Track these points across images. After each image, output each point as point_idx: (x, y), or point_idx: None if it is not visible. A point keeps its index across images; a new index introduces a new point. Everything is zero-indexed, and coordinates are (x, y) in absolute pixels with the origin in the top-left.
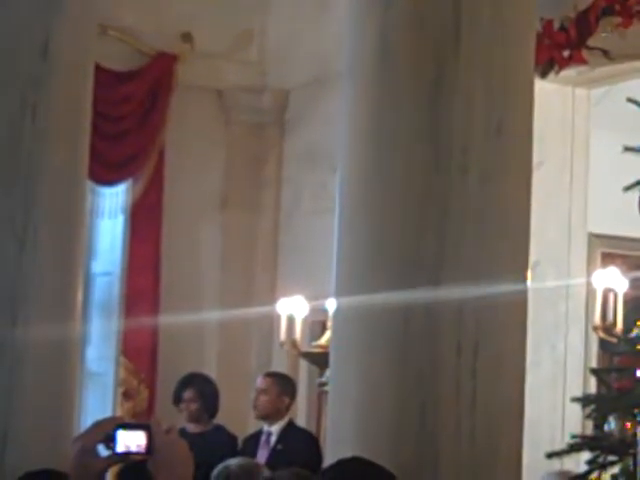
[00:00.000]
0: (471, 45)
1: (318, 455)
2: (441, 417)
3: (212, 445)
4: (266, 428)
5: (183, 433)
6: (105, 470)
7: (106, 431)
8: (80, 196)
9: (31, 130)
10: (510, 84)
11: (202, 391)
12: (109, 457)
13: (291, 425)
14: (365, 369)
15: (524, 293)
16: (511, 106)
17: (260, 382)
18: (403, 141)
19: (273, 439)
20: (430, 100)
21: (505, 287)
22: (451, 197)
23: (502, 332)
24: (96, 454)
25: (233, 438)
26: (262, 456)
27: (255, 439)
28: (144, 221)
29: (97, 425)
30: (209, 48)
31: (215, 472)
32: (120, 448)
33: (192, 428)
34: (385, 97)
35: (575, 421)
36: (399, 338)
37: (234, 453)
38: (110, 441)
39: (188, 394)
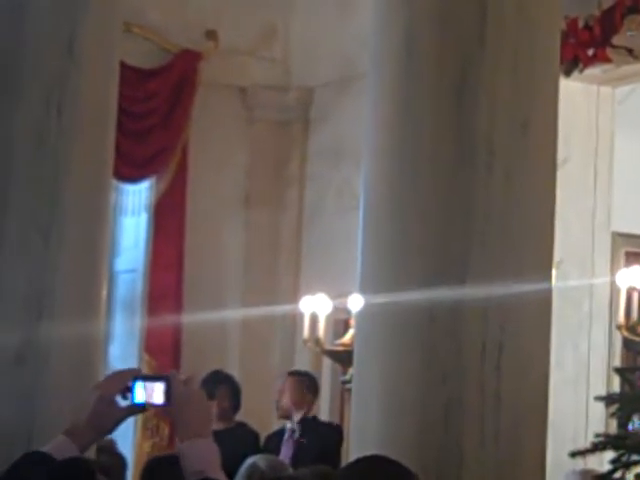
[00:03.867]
0: (496, 44)
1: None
2: (465, 417)
3: (236, 442)
4: (289, 425)
5: None
6: (122, 419)
7: (125, 382)
8: (105, 194)
9: (57, 128)
10: (535, 82)
11: (234, 388)
12: (127, 407)
13: (314, 419)
14: (389, 368)
15: (549, 292)
16: (536, 104)
17: (282, 382)
18: (428, 139)
19: (297, 434)
20: (455, 99)
21: (530, 286)
22: (476, 195)
23: (527, 331)
24: (114, 403)
25: (255, 435)
26: (287, 452)
27: (278, 437)
28: (167, 219)
29: (116, 375)
30: (233, 45)
31: (242, 470)
32: (138, 399)
33: (216, 425)
34: (410, 96)
35: (599, 420)
36: (424, 337)
37: (256, 450)
38: (128, 392)
39: (222, 391)
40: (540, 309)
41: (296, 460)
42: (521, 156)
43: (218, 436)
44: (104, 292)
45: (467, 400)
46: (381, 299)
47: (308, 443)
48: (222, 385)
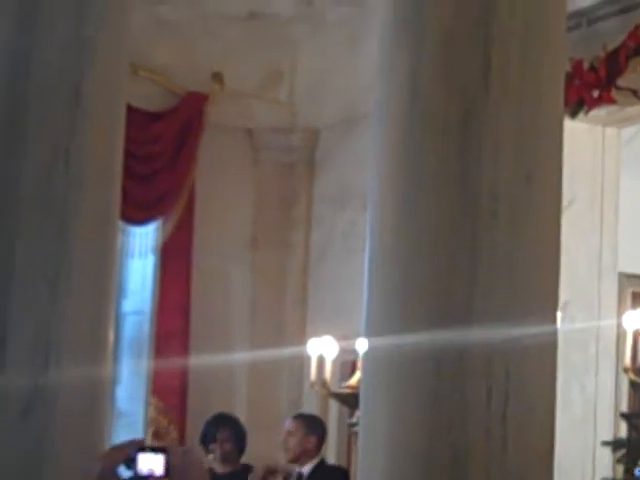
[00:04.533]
0: (500, 89)
1: None
2: (472, 463)
3: None
4: (297, 469)
5: (212, 474)
6: None
7: (126, 453)
8: (112, 238)
9: (64, 178)
10: (540, 129)
11: (236, 431)
12: (131, 478)
13: (322, 464)
14: (395, 412)
15: (554, 335)
16: (541, 151)
17: (288, 424)
18: (432, 184)
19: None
20: (459, 144)
21: (535, 330)
22: (481, 240)
23: (532, 377)
24: (117, 476)
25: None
26: None
27: None
28: (174, 260)
29: (117, 448)
30: (239, 88)
31: None
32: (141, 469)
33: (221, 468)
34: (413, 140)
35: (607, 463)
36: (430, 381)
37: None
38: (131, 462)
39: (223, 434)
40: (546, 353)
41: None
42: (526, 203)
43: (225, 478)
44: (111, 336)
45: (473, 446)
46: (385, 343)
47: None
48: (225, 428)
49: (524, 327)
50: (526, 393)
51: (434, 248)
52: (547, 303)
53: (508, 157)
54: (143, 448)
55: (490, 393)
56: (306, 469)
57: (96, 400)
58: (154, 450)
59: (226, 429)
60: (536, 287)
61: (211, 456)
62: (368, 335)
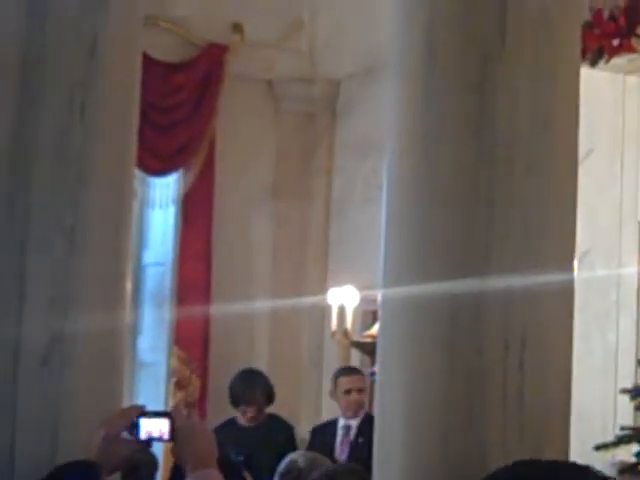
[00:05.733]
0: (516, 40)
1: None
2: (489, 412)
3: (268, 436)
4: (344, 422)
5: (236, 425)
6: (129, 456)
7: (129, 419)
8: (128, 189)
9: (80, 130)
10: (556, 78)
11: (266, 390)
12: (133, 443)
13: (370, 417)
14: (412, 361)
15: (571, 283)
16: (557, 100)
17: (357, 380)
18: (449, 133)
19: (353, 432)
20: (476, 95)
21: (552, 279)
22: (498, 189)
23: (549, 326)
24: (120, 441)
25: (289, 428)
26: (343, 450)
27: (330, 431)
28: (195, 211)
29: (120, 414)
30: (259, 38)
31: (281, 467)
32: (143, 435)
33: (247, 422)
34: (431, 92)
35: (628, 411)
36: (446, 330)
37: (291, 443)
38: (133, 429)
39: (258, 396)
40: (563, 302)
41: (353, 459)
42: (542, 151)
43: (247, 431)
44: (129, 285)
45: (490, 395)
46: (403, 291)
47: (366, 442)
48: (253, 391)
49: (541, 276)
50: (543, 342)
51: (451, 199)
52: (564, 252)
53: (525, 106)
54: (146, 413)
55: (507, 343)
56: (354, 422)
57: (114, 350)
58: (157, 415)
59: (256, 392)
60: (553, 236)
61: (239, 413)
62: (385, 286)
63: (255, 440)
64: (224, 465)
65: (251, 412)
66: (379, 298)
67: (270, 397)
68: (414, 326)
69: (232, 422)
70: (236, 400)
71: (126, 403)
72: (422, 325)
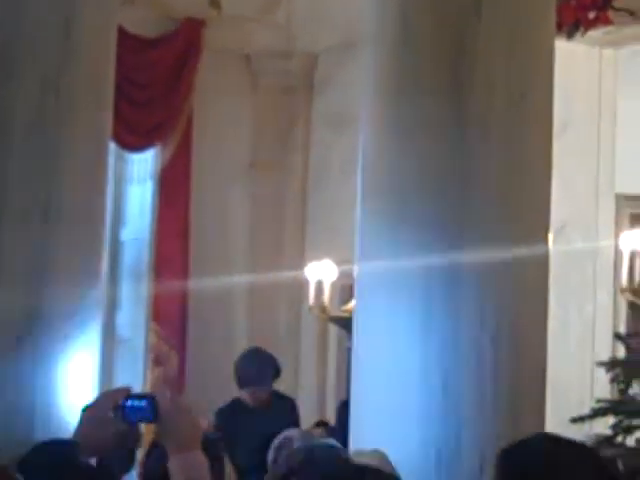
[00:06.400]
0: (492, 14)
1: None
2: (464, 384)
3: (276, 415)
4: None
5: (242, 406)
6: (113, 438)
7: (114, 401)
8: (103, 164)
9: (55, 106)
10: (531, 52)
11: (277, 370)
12: (118, 425)
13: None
14: (388, 335)
15: (546, 256)
16: (532, 74)
17: None
18: (425, 109)
19: None
20: (452, 69)
21: (526, 253)
22: (472, 163)
23: (523, 296)
24: (104, 423)
25: (293, 404)
26: None
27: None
28: (173, 187)
29: (105, 395)
30: (237, 12)
31: (276, 442)
32: (129, 417)
33: (252, 402)
34: (407, 67)
35: (605, 384)
36: (422, 304)
37: (296, 419)
38: (118, 410)
39: (269, 377)
40: (537, 274)
41: None
42: (517, 124)
43: (253, 410)
44: (104, 259)
45: (465, 367)
46: (379, 265)
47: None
48: (268, 370)
49: (515, 250)
50: (518, 315)
51: (425, 173)
52: (538, 225)
53: (500, 80)
54: (132, 395)
55: (482, 316)
56: None
57: (89, 324)
58: (142, 397)
59: (267, 373)
60: (528, 208)
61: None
62: (361, 260)
63: (264, 421)
64: (201, 443)
65: (262, 393)
66: (355, 272)
67: (277, 376)
68: (389, 300)
69: (237, 403)
70: (244, 381)
71: (104, 379)
72: (397, 299)
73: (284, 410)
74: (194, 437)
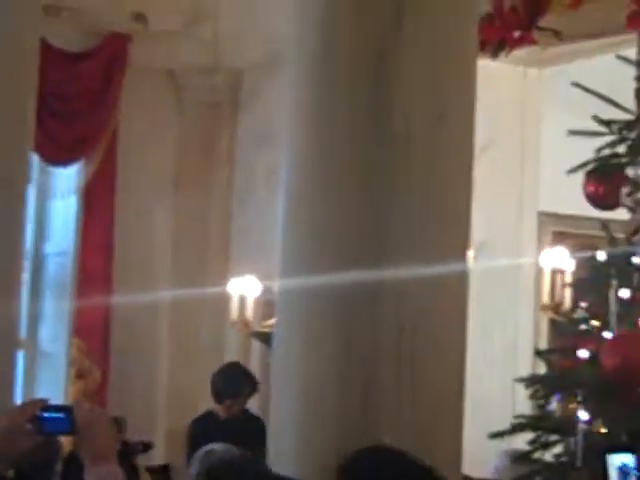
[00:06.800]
0: (413, 26)
1: None
2: (383, 397)
3: (245, 428)
4: None
5: (215, 418)
6: (30, 448)
7: (30, 413)
8: (23, 179)
9: None
10: (453, 70)
11: (254, 384)
12: (34, 436)
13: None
14: (308, 349)
15: (464, 273)
16: (454, 92)
17: None
18: (345, 126)
19: None
20: (372, 83)
21: (445, 270)
22: (394, 183)
23: (441, 313)
24: (20, 434)
25: (261, 420)
26: None
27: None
28: (97, 201)
29: (21, 407)
30: (162, 27)
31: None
32: (46, 428)
33: (225, 414)
34: (326, 80)
35: (526, 400)
36: (342, 318)
37: (264, 434)
38: (35, 422)
39: (245, 391)
40: (456, 290)
41: None
42: (437, 142)
43: (226, 424)
44: (22, 276)
45: (384, 381)
46: (299, 282)
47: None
48: (244, 384)
49: (435, 267)
50: (435, 330)
51: (346, 190)
52: (458, 243)
53: (421, 97)
54: (48, 406)
55: (401, 328)
56: None
57: (8, 337)
58: (59, 408)
59: (244, 387)
60: (447, 228)
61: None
62: (282, 276)
63: (235, 433)
64: (117, 453)
65: (237, 406)
66: (276, 288)
67: (254, 391)
68: (311, 313)
69: (210, 415)
70: (221, 395)
71: (26, 392)
72: (318, 314)
73: (255, 428)
74: (110, 449)
